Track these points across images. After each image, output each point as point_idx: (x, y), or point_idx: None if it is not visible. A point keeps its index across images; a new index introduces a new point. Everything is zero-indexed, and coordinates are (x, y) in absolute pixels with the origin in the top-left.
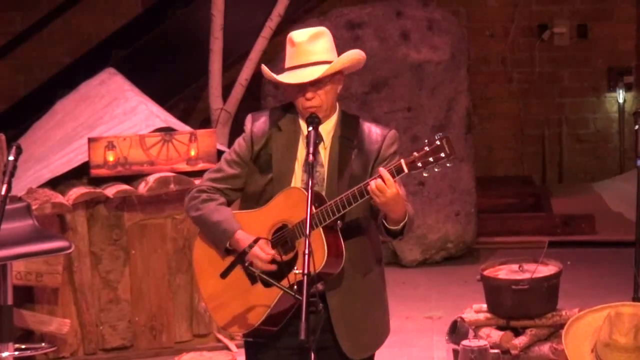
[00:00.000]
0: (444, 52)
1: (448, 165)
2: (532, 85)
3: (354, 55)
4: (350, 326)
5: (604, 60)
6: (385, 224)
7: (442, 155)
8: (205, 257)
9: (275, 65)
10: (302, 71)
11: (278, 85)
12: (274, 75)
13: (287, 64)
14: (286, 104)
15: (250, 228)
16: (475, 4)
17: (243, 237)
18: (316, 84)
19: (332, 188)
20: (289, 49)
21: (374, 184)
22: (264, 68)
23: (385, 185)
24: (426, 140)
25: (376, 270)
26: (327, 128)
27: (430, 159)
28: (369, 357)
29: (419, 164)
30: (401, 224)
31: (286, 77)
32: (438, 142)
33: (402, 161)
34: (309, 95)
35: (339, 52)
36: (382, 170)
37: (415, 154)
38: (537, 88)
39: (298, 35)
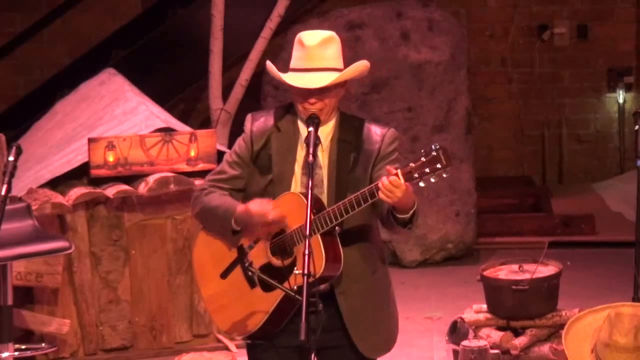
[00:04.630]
0: (443, 53)
1: (444, 175)
2: (532, 85)
3: (362, 66)
4: (365, 325)
5: (604, 60)
6: (394, 213)
7: (438, 166)
8: (205, 258)
9: (276, 63)
10: (310, 75)
11: (278, 85)
12: (280, 74)
13: (294, 65)
14: (286, 104)
15: None
16: (475, 4)
17: (244, 208)
18: (323, 91)
19: (332, 190)
20: (297, 50)
21: (381, 186)
22: (269, 65)
23: (393, 187)
24: (422, 151)
25: (382, 269)
26: (326, 131)
27: (427, 170)
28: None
29: (416, 175)
30: (410, 212)
31: (293, 79)
32: (434, 153)
33: (399, 171)
34: (312, 100)
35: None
36: (392, 179)
37: (412, 164)
38: (537, 88)
39: (309, 37)
